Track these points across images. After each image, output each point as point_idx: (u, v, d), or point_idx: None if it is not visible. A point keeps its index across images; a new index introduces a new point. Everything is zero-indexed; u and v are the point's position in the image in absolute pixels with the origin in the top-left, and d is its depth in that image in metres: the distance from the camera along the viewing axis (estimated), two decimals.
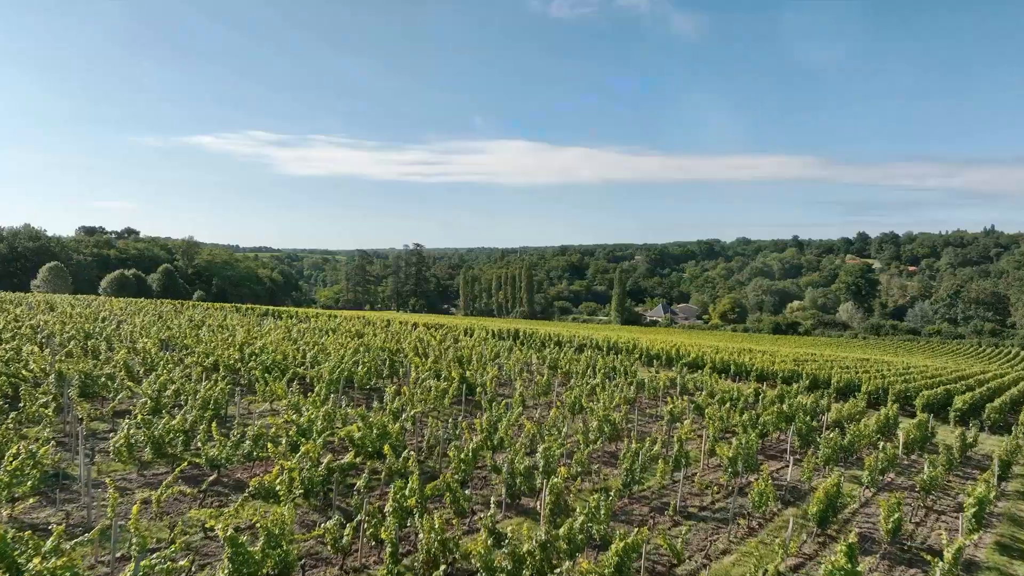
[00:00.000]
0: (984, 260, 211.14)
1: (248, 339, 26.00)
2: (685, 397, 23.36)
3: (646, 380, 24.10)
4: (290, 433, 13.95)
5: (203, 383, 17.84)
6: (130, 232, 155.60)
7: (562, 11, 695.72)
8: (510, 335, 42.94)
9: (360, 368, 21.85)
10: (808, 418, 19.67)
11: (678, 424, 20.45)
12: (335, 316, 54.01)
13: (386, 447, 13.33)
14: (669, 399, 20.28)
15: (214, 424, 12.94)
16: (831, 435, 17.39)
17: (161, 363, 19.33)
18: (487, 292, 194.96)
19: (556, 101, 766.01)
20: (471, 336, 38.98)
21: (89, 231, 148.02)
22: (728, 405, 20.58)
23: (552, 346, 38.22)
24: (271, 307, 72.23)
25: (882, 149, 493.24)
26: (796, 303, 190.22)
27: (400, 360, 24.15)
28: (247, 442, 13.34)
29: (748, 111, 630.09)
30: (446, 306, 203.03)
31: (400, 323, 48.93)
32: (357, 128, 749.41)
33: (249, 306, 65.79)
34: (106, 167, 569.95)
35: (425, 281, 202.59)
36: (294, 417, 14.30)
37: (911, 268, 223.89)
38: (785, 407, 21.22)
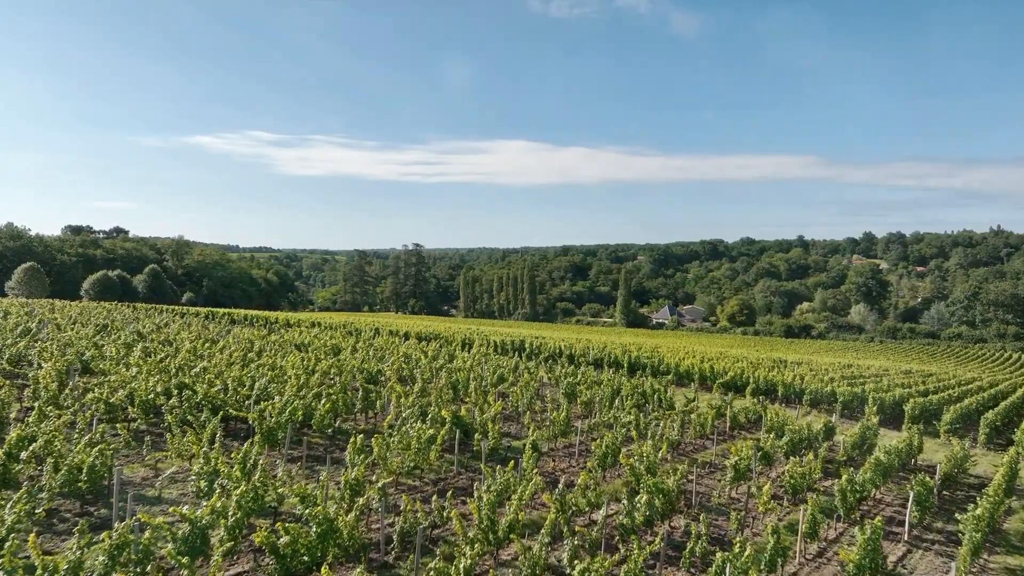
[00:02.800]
0: (995, 260, 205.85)
1: (188, 360, 20.79)
2: (747, 439, 18.16)
3: (692, 416, 18.87)
4: (177, 536, 8.81)
5: (91, 434, 12.69)
6: (119, 231, 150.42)
7: (562, 11, 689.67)
8: (514, 347, 37.63)
9: (323, 403, 16.67)
10: (923, 476, 14.45)
11: (744, 481, 15.29)
12: (318, 323, 48.80)
13: (324, 568, 8.14)
14: (733, 450, 15.09)
15: (32, 537, 7.75)
16: (978, 511, 12.19)
17: (42, 401, 14.14)
18: (488, 293, 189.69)
19: (556, 101, 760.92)
20: (469, 350, 33.70)
21: (76, 230, 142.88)
22: (811, 456, 15.38)
23: (563, 360, 32.99)
24: (251, 312, 66.88)
25: (882, 149, 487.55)
26: (806, 304, 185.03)
27: (378, 391, 18.95)
28: (101, 558, 8.21)
29: (748, 111, 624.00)
30: (446, 307, 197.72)
31: (389, 332, 43.65)
32: (357, 128, 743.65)
33: (227, 311, 60.40)
34: (106, 167, 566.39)
35: (425, 282, 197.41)
36: (186, 510, 9.10)
37: (919, 268, 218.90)
38: (882, 456, 16.00)
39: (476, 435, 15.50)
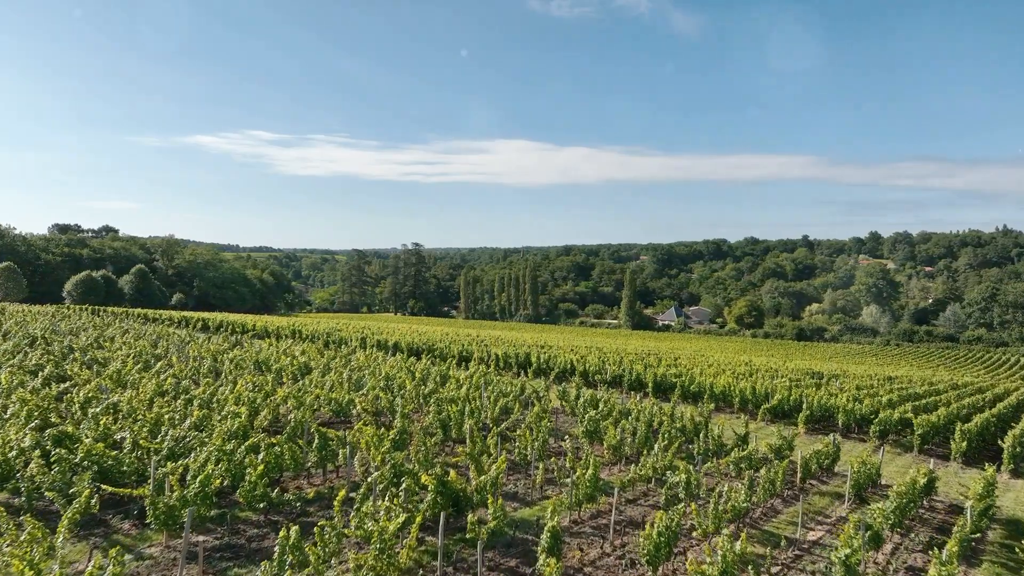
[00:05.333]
0: (1005, 261, 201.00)
1: (97, 393, 16.09)
2: (823, 494, 13.42)
3: (762, 472, 14.13)
4: None
5: None
6: (108, 230, 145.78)
7: (562, 11, 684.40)
8: (518, 363, 32.83)
9: (258, 461, 11.97)
10: None
11: None
12: (299, 331, 44.04)
13: None
14: (842, 538, 10.40)
15: None
16: None
17: None
18: (489, 294, 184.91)
19: (556, 101, 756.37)
20: (466, 368, 28.89)
21: (63, 229, 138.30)
22: (952, 544, 10.67)
23: (577, 379, 28.28)
24: (229, 317, 62.00)
25: (882, 149, 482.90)
26: (815, 306, 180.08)
27: (341, 436, 14.26)
28: None
29: (748, 111, 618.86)
30: (446, 308, 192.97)
31: (377, 344, 38.88)
32: (357, 128, 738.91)
33: (201, 316, 55.48)
34: (106, 167, 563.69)
35: (425, 282, 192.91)
36: None
37: (927, 268, 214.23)
38: None
39: (471, 516, 10.78)
